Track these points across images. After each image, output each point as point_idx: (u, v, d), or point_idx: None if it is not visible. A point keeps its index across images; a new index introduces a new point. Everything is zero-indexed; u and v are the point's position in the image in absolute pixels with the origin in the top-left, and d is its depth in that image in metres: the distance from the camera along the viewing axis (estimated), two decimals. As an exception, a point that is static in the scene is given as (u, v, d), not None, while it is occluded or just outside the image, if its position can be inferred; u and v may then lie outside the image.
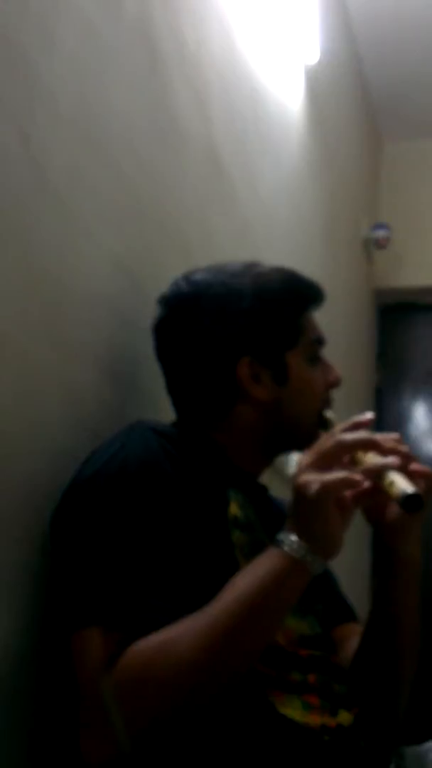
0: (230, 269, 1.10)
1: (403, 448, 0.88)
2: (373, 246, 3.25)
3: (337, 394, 1.13)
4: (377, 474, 0.84)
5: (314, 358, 1.10)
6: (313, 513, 0.81)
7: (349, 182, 2.99)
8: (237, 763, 0.84)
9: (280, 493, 1.17)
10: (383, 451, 0.86)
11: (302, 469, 0.84)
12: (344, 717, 0.94)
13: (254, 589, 0.81)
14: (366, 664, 1.03)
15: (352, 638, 1.07)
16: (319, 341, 1.11)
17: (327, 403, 1.09)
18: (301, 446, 0.90)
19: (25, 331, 0.94)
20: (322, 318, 1.15)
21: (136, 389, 1.19)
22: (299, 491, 0.82)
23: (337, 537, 0.83)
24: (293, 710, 0.89)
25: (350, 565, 2.50)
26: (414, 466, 0.87)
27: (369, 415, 0.90)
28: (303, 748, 0.87)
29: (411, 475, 0.86)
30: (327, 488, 0.80)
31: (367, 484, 0.84)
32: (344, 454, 0.85)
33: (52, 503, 0.94)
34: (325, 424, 1.06)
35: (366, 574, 2.91)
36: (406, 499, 0.80)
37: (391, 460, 0.85)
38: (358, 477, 0.82)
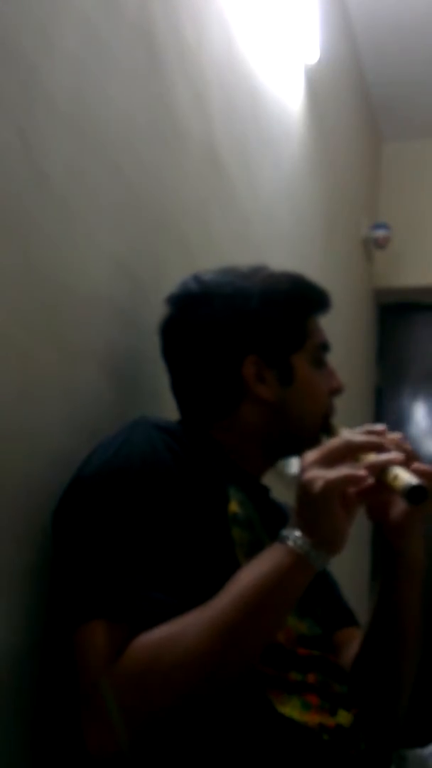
0: (239, 271, 1.11)
1: (406, 447, 0.89)
2: (372, 246, 3.25)
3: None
4: (381, 470, 0.84)
5: (319, 363, 1.11)
6: (317, 509, 0.82)
7: (349, 182, 2.99)
8: (236, 761, 0.84)
9: (281, 496, 1.17)
10: (386, 451, 0.87)
11: (307, 465, 0.84)
12: (344, 717, 0.94)
13: (259, 584, 0.81)
14: (367, 665, 1.02)
15: (352, 643, 1.07)
16: (325, 347, 1.12)
17: (330, 408, 1.10)
18: (303, 450, 0.90)
19: (25, 331, 0.94)
20: (323, 318, 1.15)
21: (136, 389, 1.19)
22: (304, 487, 0.83)
23: (341, 533, 0.83)
24: (292, 709, 0.89)
25: (350, 565, 2.50)
26: (416, 465, 0.87)
27: (380, 427, 0.91)
28: (301, 747, 0.87)
29: (413, 471, 0.86)
30: (331, 485, 0.81)
31: (371, 480, 0.84)
32: (352, 455, 0.86)
33: (53, 501, 0.94)
34: (329, 431, 1.07)
35: (366, 574, 2.91)
36: (411, 491, 0.81)
37: (394, 455, 0.85)
38: (362, 473, 0.83)
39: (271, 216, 2.01)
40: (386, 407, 3.42)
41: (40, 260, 0.98)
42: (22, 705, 0.91)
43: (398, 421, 3.33)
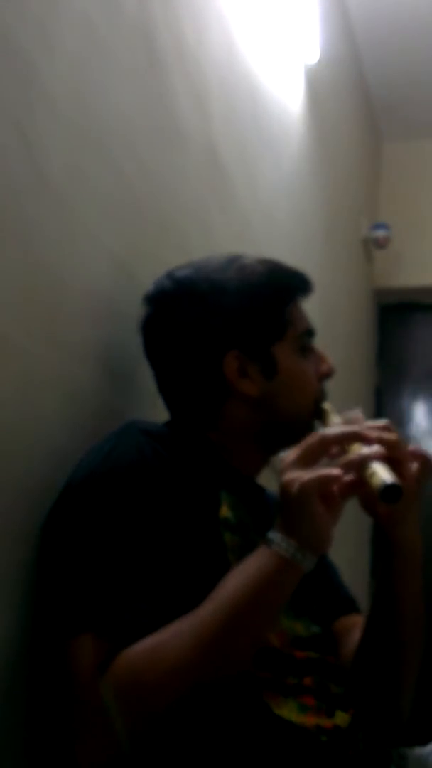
0: (213, 264, 1.09)
1: (390, 436, 0.87)
2: (372, 246, 3.25)
3: (337, 394, 1.13)
4: (360, 465, 0.83)
5: (304, 350, 1.08)
6: (298, 511, 0.81)
7: (349, 182, 2.99)
8: (234, 763, 0.84)
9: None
10: (369, 442, 0.85)
11: (286, 466, 0.84)
12: (341, 718, 0.94)
13: (243, 589, 0.81)
14: (369, 656, 1.01)
15: (354, 630, 1.06)
16: (309, 332, 1.10)
17: (321, 394, 1.08)
18: (297, 440, 0.89)
19: (25, 331, 0.94)
20: (323, 318, 1.15)
21: (135, 388, 1.19)
22: (284, 490, 0.82)
23: (324, 532, 0.82)
24: (289, 711, 0.88)
25: (350, 565, 2.50)
26: (404, 452, 0.87)
27: (357, 413, 0.90)
28: (300, 749, 0.87)
29: (396, 464, 0.85)
30: (306, 487, 0.80)
31: (349, 476, 0.83)
32: (328, 450, 0.84)
33: (50, 501, 0.94)
34: (321, 415, 1.04)
35: (366, 574, 2.91)
36: (384, 490, 0.80)
37: (373, 450, 0.84)
38: (337, 472, 0.81)
39: (271, 216, 2.01)
40: (386, 407, 3.42)
41: (40, 260, 0.98)
42: (16, 705, 0.91)
43: (398, 421, 3.33)
